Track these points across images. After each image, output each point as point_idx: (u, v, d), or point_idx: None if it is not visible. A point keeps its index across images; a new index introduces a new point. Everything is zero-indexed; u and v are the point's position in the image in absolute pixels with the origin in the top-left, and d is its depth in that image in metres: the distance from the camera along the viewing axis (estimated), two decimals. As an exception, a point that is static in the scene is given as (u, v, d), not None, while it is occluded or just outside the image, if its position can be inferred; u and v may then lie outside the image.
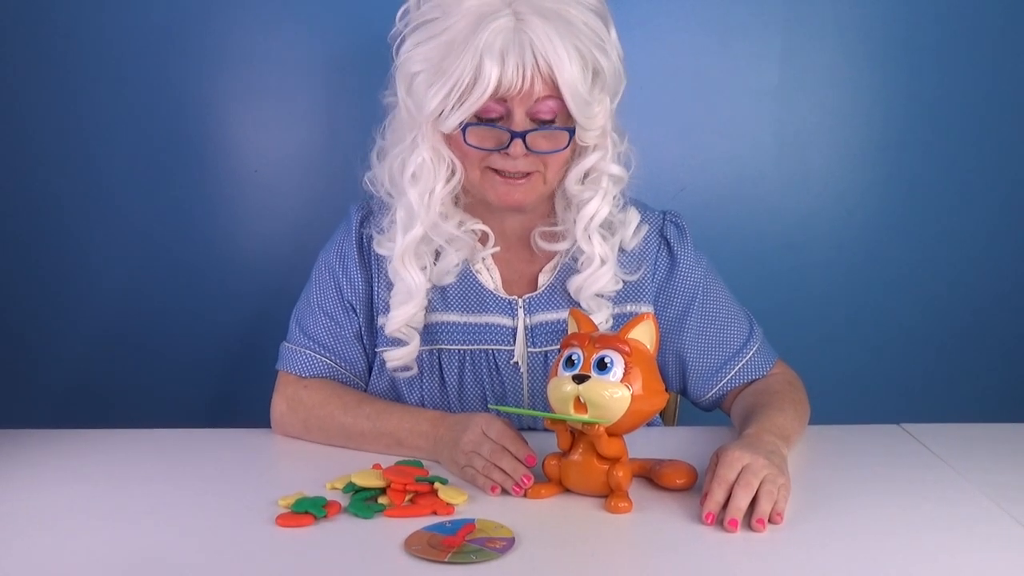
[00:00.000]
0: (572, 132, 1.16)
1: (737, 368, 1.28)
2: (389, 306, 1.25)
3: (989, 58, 1.73)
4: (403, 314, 1.23)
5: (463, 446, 1.09)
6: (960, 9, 1.71)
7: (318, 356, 1.29)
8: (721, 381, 1.28)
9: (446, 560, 0.88)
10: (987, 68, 1.73)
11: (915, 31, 1.72)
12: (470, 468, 1.08)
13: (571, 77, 1.11)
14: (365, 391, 1.32)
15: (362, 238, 1.29)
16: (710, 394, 1.29)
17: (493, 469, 1.06)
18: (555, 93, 1.12)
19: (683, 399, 1.39)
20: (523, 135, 1.13)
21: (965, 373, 1.81)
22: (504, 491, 1.05)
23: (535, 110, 1.13)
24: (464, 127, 1.14)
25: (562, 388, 1.00)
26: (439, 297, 1.27)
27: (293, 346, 1.30)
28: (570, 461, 1.04)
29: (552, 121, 1.15)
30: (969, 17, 1.71)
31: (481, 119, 1.14)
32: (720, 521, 0.96)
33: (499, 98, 1.12)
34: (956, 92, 1.73)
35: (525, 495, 1.04)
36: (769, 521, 0.96)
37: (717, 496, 0.97)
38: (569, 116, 1.14)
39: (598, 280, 1.22)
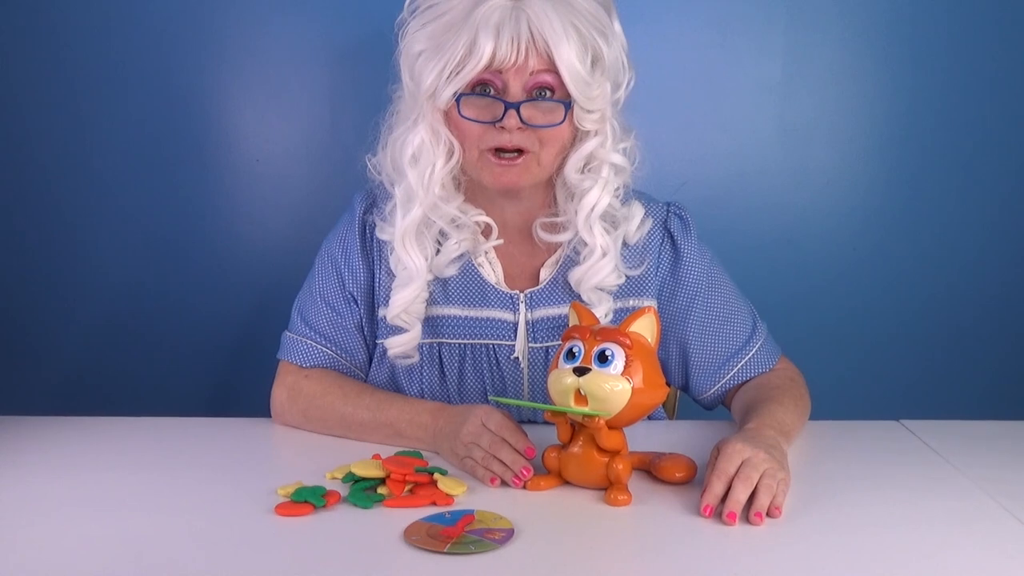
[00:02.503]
0: (568, 106, 1.15)
1: (740, 365, 1.28)
2: (391, 297, 1.25)
3: (992, 54, 1.72)
4: (402, 298, 1.23)
5: (463, 437, 1.09)
6: (963, 5, 1.71)
7: (319, 346, 1.29)
8: (724, 378, 1.28)
9: (445, 551, 0.88)
10: (990, 64, 1.73)
11: (918, 27, 1.71)
12: (469, 459, 1.08)
13: (568, 53, 1.11)
14: (365, 382, 1.32)
15: (365, 228, 1.29)
16: (712, 390, 1.29)
17: (492, 460, 1.06)
18: (551, 67, 1.13)
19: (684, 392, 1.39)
20: (517, 106, 1.13)
21: (965, 370, 1.81)
22: (503, 483, 1.05)
23: (531, 84, 1.14)
24: (458, 98, 1.15)
25: (563, 380, 1.00)
26: (440, 290, 1.27)
27: (294, 335, 1.30)
28: (570, 453, 1.04)
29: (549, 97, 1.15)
30: (973, 13, 1.71)
31: (476, 91, 1.15)
32: (718, 514, 0.96)
33: (494, 70, 1.13)
34: (959, 88, 1.73)
35: (524, 487, 1.04)
36: (767, 515, 0.96)
37: (716, 489, 0.97)
38: (567, 95, 1.15)
39: (599, 272, 1.22)
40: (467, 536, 0.91)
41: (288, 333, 1.32)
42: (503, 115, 1.13)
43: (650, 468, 1.08)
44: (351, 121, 1.69)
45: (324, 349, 1.29)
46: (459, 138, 1.18)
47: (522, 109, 1.13)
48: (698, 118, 1.75)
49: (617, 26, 1.19)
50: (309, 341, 1.29)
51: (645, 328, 1.03)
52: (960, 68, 1.72)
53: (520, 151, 1.16)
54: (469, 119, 1.16)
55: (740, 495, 0.96)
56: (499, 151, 1.16)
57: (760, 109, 1.75)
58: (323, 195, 1.70)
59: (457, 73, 1.13)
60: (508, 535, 0.91)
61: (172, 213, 1.73)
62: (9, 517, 0.98)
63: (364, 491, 1.02)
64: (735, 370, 1.28)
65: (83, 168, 1.72)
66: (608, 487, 1.02)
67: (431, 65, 1.14)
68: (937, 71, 1.73)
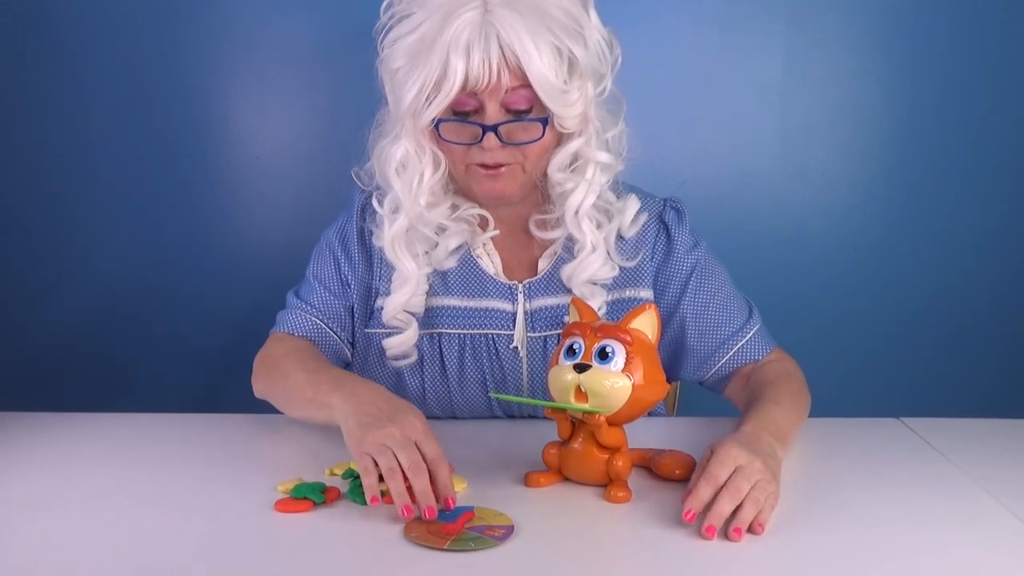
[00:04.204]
0: (545, 123, 1.15)
1: (734, 350, 1.27)
2: (390, 290, 1.25)
3: (993, 55, 1.73)
4: (396, 301, 1.23)
5: (380, 437, 0.97)
6: (963, 4, 1.71)
7: (309, 316, 1.28)
8: (718, 363, 1.27)
9: (445, 547, 0.88)
10: (991, 65, 1.73)
11: (919, 27, 1.71)
12: (369, 459, 0.96)
13: (540, 67, 1.09)
14: (350, 360, 1.32)
15: (364, 224, 1.29)
16: (707, 376, 1.28)
17: (397, 478, 0.94)
18: (526, 82, 1.11)
19: (684, 389, 1.38)
20: (495, 128, 1.12)
21: (965, 368, 1.82)
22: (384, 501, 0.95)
23: (509, 101, 1.12)
24: (437, 123, 1.14)
25: (563, 377, 1.00)
26: (440, 281, 1.27)
27: (287, 310, 1.31)
28: (570, 450, 1.04)
29: (528, 111, 1.14)
30: (973, 13, 1.71)
31: (457, 113, 1.14)
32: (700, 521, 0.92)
33: (470, 92, 1.11)
34: (959, 88, 1.73)
35: (434, 514, 0.92)
36: (748, 530, 0.91)
37: (702, 494, 0.93)
38: (545, 109, 1.13)
39: (588, 267, 1.22)
40: (467, 533, 0.90)
41: (281, 311, 1.32)
42: (482, 137, 1.13)
43: (650, 465, 1.08)
44: (351, 118, 1.67)
45: (313, 318, 1.28)
46: (444, 154, 1.18)
47: (500, 129, 1.13)
48: (698, 117, 1.75)
49: (594, 16, 1.16)
50: (299, 311, 1.29)
51: (645, 325, 1.03)
52: (960, 68, 1.73)
53: (505, 163, 1.16)
54: (449, 141, 1.16)
55: (725, 507, 0.92)
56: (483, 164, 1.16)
57: (760, 108, 1.75)
58: (323, 191, 1.70)
59: (434, 98, 1.11)
60: (508, 532, 0.91)
61: (172, 209, 1.73)
62: (5, 513, 0.98)
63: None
64: (728, 356, 1.27)
65: (83, 164, 1.72)
66: (608, 484, 1.02)
67: (409, 84, 1.12)
68: (937, 71, 1.73)
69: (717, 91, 1.75)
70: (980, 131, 1.75)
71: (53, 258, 1.76)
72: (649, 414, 1.16)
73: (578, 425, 1.04)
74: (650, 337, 1.03)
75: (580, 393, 0.99)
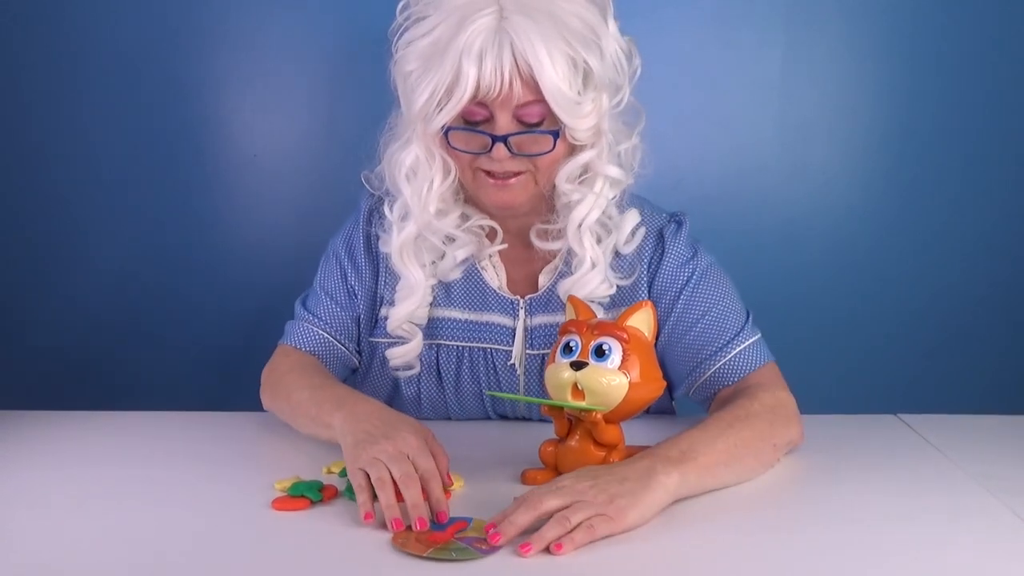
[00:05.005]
0: (556, 135, 1.12)
1: (713, 369, 1.19)
2: (394, 300, 1.25)
3: (993, 53, 1.72)
4: (402, 311, 1.22)
5: (374, 451, 0.97)
6: (964, 5, 1.70)
7: (316, 329, 1.28)
8: (699, 380, 1.20)
9: (425, 555, 0.86)
10: (991, 63, 1.72)
11: (918, 23, 1.71)
12: (363, 473, 0.96)
13: (553, 78, 1.07)
14: (355, 371, 1.32)
15: (371, 230, 1.28)
16: (691, 393, 1.23)
17: (387, 488, 0.93)
18: (538, 95, 1.08)
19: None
20: (504, 139, 1.10)
21: (963, 364, 1.81)
22: (378, 518, 0.93)
23: (520, 114, 1.10)
24: (447, 130, 1.13)
25: (560, 374, 1.00)
26: (443, 293, 1.27)
27: (294, 321, 1.30)
28: (567, 447, 1.04)
29: (539, 123, 1.12)
30: (972, 10, 1.70)
31: (467, 122, 1.12)
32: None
33: (480, 103, 1.09)
34: (959, 86, 1.73)
35: (425, 525, 0.92)
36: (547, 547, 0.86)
37: (509, 508, 0.90)
38: (557, 121, 1.11)
39: (586, 284, 1.19)
40: (453, 543, 0.89)
41: (289, 321, 1.32)
42: (491, 147, 1.11)
43: (647, 463, 1.08)
44: (350, 116, 1.69)
45: (320, 331, 1.28)
46: (453, 159, 1.16)
47: (511, 140, 1.11)
48: (696, 115, 1.75)
49: (612, 26, 1.14)
50: (306, 324, 1.28)
51: (642, 322, 1.03)
52: (960, 66, 1.72)
53: (514, 173, 1.14)
54: (458, 150, 1.14)
55: (518, 518, 0.88)
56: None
57: (759, 107, 1.74)
58: (321, 190, 1.70)
59: (445, 104, 1.09)
60: (496, 546, 0.88)
61: (169, 206, 1.73)
62: (5, 512, 0.98)
63: (361, 485, 1.01)
64: (706, 376, 1.20)
65: (83, 164, 1.72)
66: (605, 481, 1.02)
67: (420, 88, 1.11)
68: (937, 68, 1.73)
69: (715, 89, 1.74)
70: (980, 130, 1.75)
71: (53, 258, 1.76)
72: (647, 411, 1.16)
73: (575, 423, 1.04)
74: (646, 335, 1.03)
75: (577, 390, 1.00)
